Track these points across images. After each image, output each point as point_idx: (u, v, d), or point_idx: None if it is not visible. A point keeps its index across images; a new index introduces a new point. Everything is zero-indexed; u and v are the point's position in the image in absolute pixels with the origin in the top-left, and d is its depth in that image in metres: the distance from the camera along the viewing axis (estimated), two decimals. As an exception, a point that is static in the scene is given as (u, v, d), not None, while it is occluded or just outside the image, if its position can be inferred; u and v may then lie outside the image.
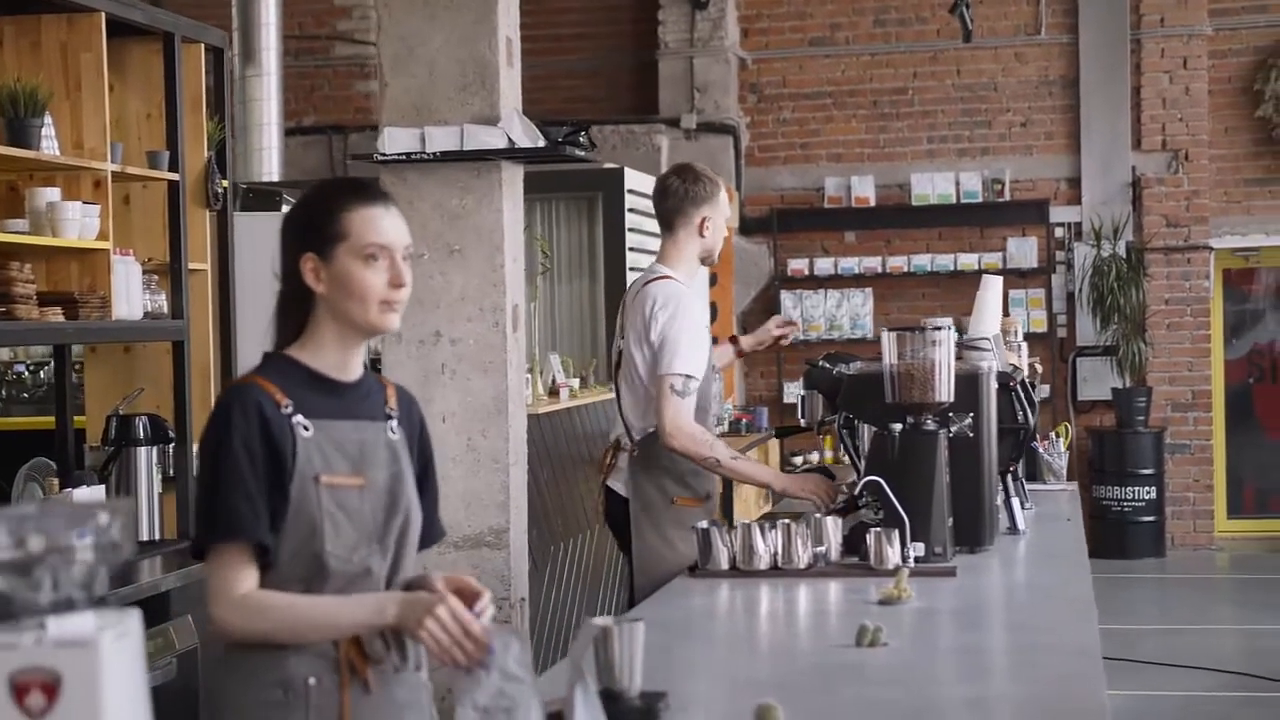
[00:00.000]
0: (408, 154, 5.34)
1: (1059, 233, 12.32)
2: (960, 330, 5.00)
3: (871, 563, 4.07)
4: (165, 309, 5.31)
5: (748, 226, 12.56)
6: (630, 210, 9.25)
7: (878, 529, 4.09)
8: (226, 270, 5.70)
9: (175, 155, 5.33)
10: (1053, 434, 6.56)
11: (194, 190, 5.53)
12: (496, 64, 5.38)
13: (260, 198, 7.87)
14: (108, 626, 1.64)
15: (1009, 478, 4.97)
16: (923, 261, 12.29)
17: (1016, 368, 5.45)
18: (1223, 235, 12.28)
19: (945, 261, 12.24)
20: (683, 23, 12.47)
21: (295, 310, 2.71)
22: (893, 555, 4.05)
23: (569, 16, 12.80)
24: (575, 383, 7.98)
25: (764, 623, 3.86)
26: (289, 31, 10.65)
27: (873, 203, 12.45)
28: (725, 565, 4.11)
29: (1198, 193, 12.15)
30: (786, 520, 4.16)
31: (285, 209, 7.43)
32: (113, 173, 5.05)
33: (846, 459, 4.89)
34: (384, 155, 5.36)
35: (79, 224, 4.86)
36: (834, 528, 4.22)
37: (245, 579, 2.59)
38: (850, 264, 12.42)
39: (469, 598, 2.57)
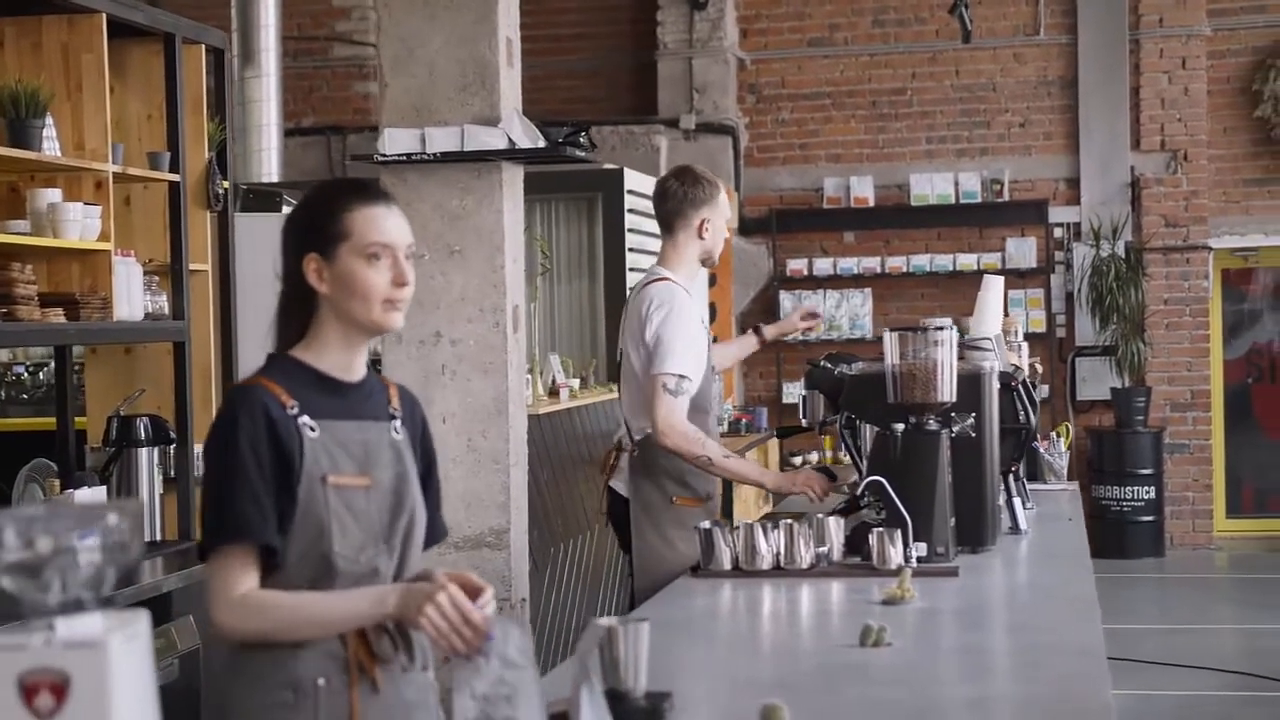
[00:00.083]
0: (408, 155, 5.34)
1: (1058, 233, 12.32)
2: (960, 330, 5.00)
3: (874, 563, 4.07)
4: (166, 310, 5.31)
5: (747, 227, 12.56)
6: (630, 211, 9.25)
7: (880, 529, 4.09)
8: (227, 271, 5.70)
9: (176, 156, 5.33)
10: (1053, 434, 6.57)
11: (195, 191, 5.53)
12: (496, 64, 5.38)
13: (261, 199, 7.87)
14: (116, 627, 1.64)
15: (1011, 478, 4.98)
16: (922, 262, 12.29)
17: (1018, 368, 5.45)
18: (1221, 235, 12.29)
19: (944, 262, 12.24)
20: (681, 23, 12.47)
21: (298, 311, 2.71)
22: (895, 555, 4.05)
23: (568, 17, 12.80)
24: (575, 383, 7.98)
25: (767, 623, 3.86)
26: (288, 32, 10.64)
27: (872, 203, 12.45)
28: (728, 565, 4.11)
29: (1196, 193, 12.15)
30: (789, 520, 4.16)
31: (286, 210, 7.44)
32: (114, 174, 5.05)
33: (847, 459, 4.89)
34: (384, 156, 5.36)
35: (80, 225, 4.86)
36: (836, 528, 4.23)
37: (245, 580, 2.58)
38: (849, 264, 12.42)
39: (472, 593, 2.57)
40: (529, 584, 5.67)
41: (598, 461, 5.75)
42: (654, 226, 5.27)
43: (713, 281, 10.85)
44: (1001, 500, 4.79)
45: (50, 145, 4.83)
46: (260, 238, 5.47)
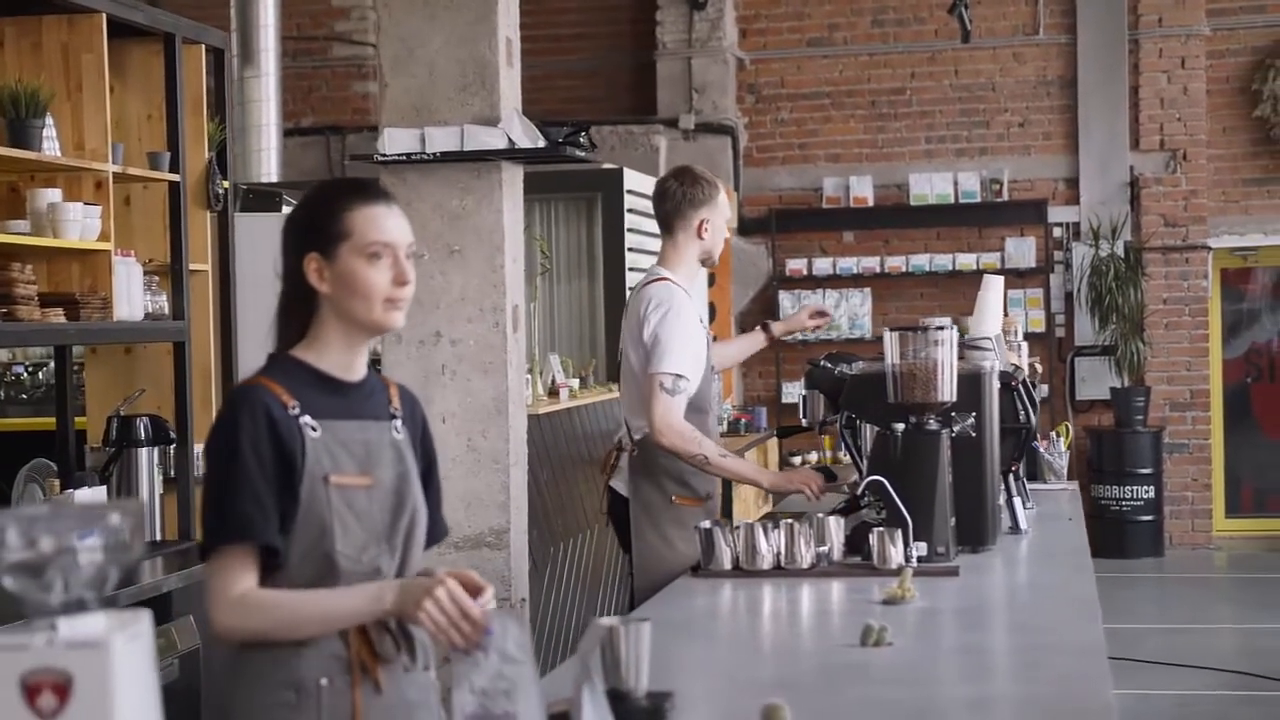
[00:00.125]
0: (407, 154, 5.34)
1: (1057, 233, 12.32)
2: (960, 330, 5.00)
3: (874, 562, 4.07)
4: (166, 310, 5.31)
5: (746, 227, 12.56)
6: (629, 211, 9.25)
7: (880, 529, 4.09)
8: (227, 271, 5.70)
9: (176, 156, 5.33)
10: (1053, 434, 6.57)
11: (195, 191, 5.53)
12: (496, 64, 5.38)
13: (260, 198, 7.87)
14: (118, 627, 1.64)
15: (1011, 477, 4.98)
16: (921, 261, 12.29)
17: (1017, 367, 5.45)
18: (1221, 235, 12.29)
19: (943, 261, 12.24)
20: (681, 23, 12.47)
21: (299, 311, 2.71)
22: (895, 555, 4.05)
23: (567, 17, 12.80)
24: (575, 383, 7.98)
25: (768, 623, 3.86)
26: (287, 32, 10.63)
27: (871, 203, 12.45)
28: (728, 565, 4.11)
29: (1196, 192, 12.15)
30: (789, 520, 4.16)
31: (286, 210, 7.44)
32: (114, 174, 5.05)
33: (847, 459, 4.89)
34: (384, 156, 5.36)
35: (80, 225, 4.86)
36: (837, 528, 4.23)
37: (243, 579, 2.58)
38: (848, 264, 12.42)
39: (473, 591, 2.56)
40: (529, 584, 5.67)
41: (597, 461, 5.76)
42: (654, 226, 5.27)
43: (712, 281, 10.85)
44: (1002, 500, 4.80)
45: (50, 145, 4.83)
46: (260, 237, 5.48)
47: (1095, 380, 12.16)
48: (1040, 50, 12.37)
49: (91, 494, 4.89)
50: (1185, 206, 12.15)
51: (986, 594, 4.08)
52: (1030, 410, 4.99)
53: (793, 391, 11.92)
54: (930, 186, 12.32)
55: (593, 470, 6.71)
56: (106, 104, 5.03)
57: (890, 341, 4.27)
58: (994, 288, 5.39)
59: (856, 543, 4.20)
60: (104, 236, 4.97)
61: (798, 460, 11.77)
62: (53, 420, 5.44)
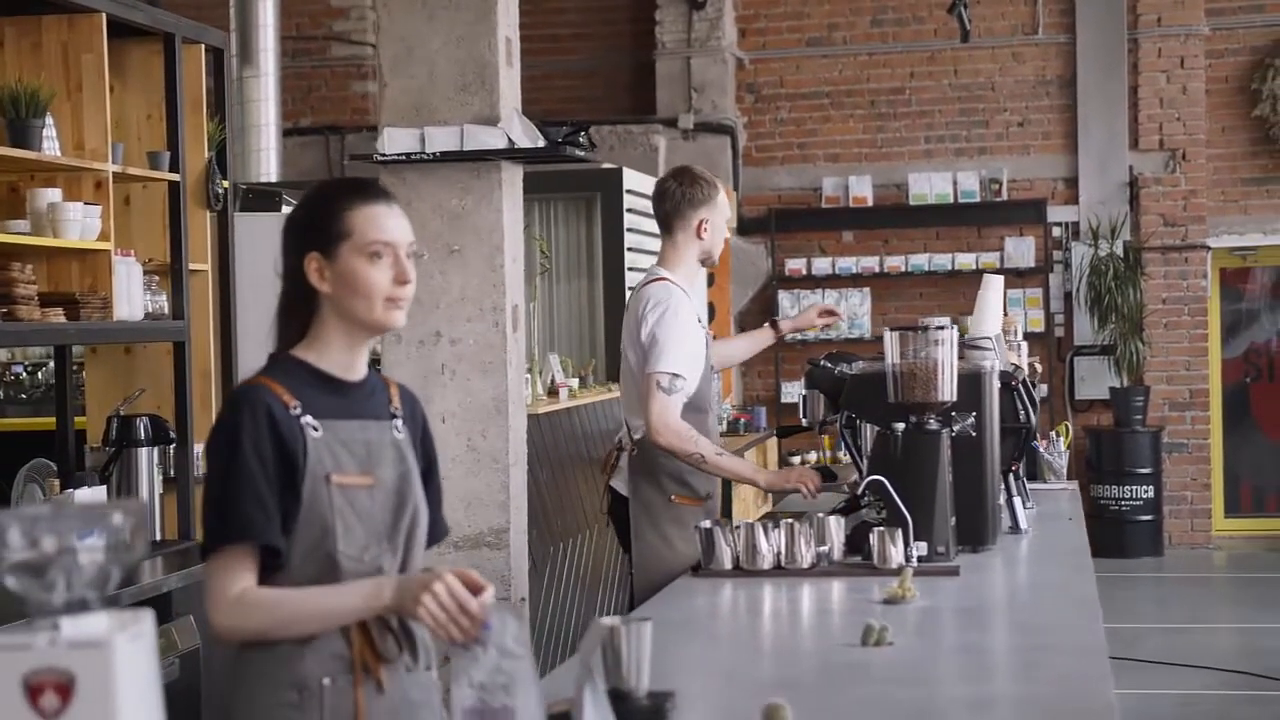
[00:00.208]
0: (407, 154, 5.34)
1: (1056, 232, 12.32)
2: (960, 330, 5.00)
3: (875, 562, 4.07)
4: (166, 310, 5.31)
5: (745, 226, 12.56)
6: (629, 210, 9.25)
7: (880, 528, 4.09)
8: (227, 271, 5.70)
9: (176, 156, 5.33)
10: (1053, 433, 6.57)
11: (194, 191, 5.53)
12: (496, 64, 5.38)
13: (260, 198, 7.86)
14: (121, 627, 1.64)
15: (1011, 477, 4.98)
16: (920, 261, 12.29)
17: (1017, 367, 5.45)
18: (1220, 234, 12.29)
19: (943, 261, 12.24)
20: (680, 23, 12.47)
21: (299, 310, 2.71)
22: (896, 555, 4.05)
23: (566, 17, 12.81)
24: (575, 383, 7.98)
25: (769, 622, 3.86)
26: (286, 32, 10.64)
27: (870, 202, 12.45)
28: (728, 565, 4.11)
29: (1195, 192, 12.16)
30: (789, 520, 4.16)
31: (285, 210, 7.44)
32: (114, 173, 5.05)
33: (847, 458, 4.89)
34: (383, 156, 5.36)
35: (80, 225, 4.86)
36: (837, 527, 4.23)
37: (242, 579, 2.57)
38: (848, 264, 12.42)
39: (473, 590, 2.56)
40: (528, 583, 5.67)
41: (597, 461, 5.76)
42: (653, 226, 5.28)
43: (711, 281, 10.84)
44: (1002, 499, 4.80)
45: (50, 145, 4.83)
46: (260, 237, 5.49)
47: (1094, 380, 12.16)
48: (1039, 50, 12.37)
49: (91, 494, 4.88)
50: (1184, 206, 12.15)
51: (987, 594, 4.08)
52: (1030, 410, 4.99)
53: (792, 391, 11.92)
54: (929, 186, 12.32)
55: (592, 470, 6.72)
56: (106, 104, 5.03)
57: (890, 341, 4.27)
58: (994, 287, 5.39)
59: (857, 542, 4.20)
60: (104, 236, 4.97)
61: (797, 460, 11.76)
62: (52, 420, 5.44)
